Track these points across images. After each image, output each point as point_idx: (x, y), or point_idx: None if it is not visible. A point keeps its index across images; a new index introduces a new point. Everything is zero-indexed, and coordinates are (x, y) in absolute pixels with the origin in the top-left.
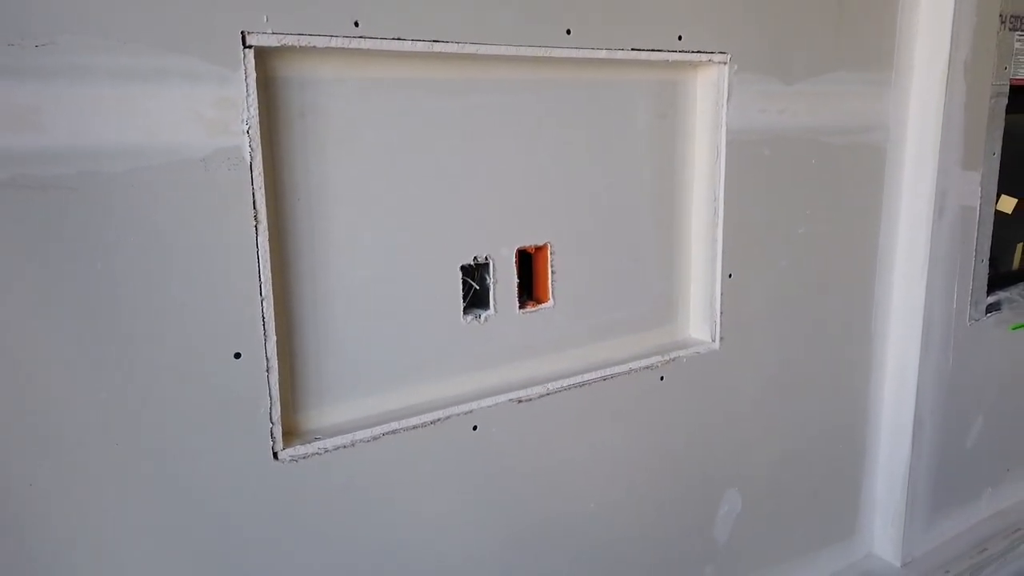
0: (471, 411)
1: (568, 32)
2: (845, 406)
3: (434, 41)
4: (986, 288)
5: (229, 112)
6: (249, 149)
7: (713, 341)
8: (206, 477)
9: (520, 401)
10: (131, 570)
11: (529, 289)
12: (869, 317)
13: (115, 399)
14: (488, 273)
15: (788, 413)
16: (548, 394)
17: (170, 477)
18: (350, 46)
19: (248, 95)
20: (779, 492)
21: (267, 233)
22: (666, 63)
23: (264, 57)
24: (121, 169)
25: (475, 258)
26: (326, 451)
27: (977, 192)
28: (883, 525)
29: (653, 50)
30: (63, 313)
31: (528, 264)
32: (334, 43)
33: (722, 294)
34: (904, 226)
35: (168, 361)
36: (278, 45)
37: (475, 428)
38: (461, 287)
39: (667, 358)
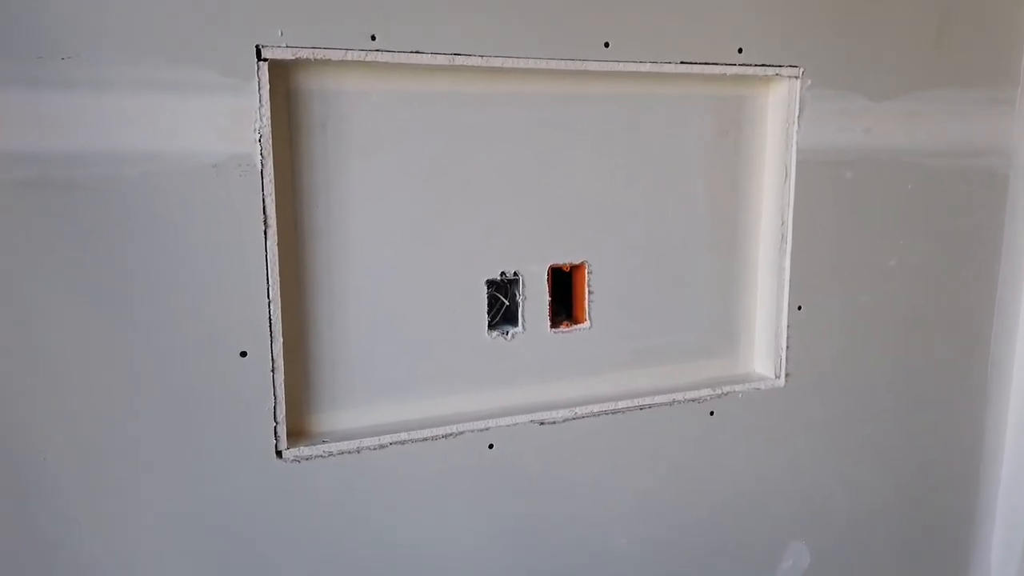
0: (487, 428)
1: (607, 45)
2: (952, 466)
3: (455, 54)
4: None
5: (242, 121)
6: (260, 157)
7: (777, 378)
8: (210, 467)
9: (543, 423)
10: (136, 545)
11: (568, 309)
12: (985, 366)
13: (125, 384)
14: (517, 289)
15: (872, 464)
16: (575, 418)
17: (176, 463)
18: (367, 59)
19: (261, 106)
20: (863, 551)
21: (276, 237)
22: (726, 77)
23: (283, 70)
24: (138, 172)
25: (502, 273)
26: (331, 455)
27: None
28: None
29: (707, 63)
30: (81, 302)
31: (567, 283)
32: (350, 56)
33: (789, 327)
34: None
35: (177, 353)
36: (293, 59)
37: (491, 447)
38: (486, 302)
39: (718, 392)
